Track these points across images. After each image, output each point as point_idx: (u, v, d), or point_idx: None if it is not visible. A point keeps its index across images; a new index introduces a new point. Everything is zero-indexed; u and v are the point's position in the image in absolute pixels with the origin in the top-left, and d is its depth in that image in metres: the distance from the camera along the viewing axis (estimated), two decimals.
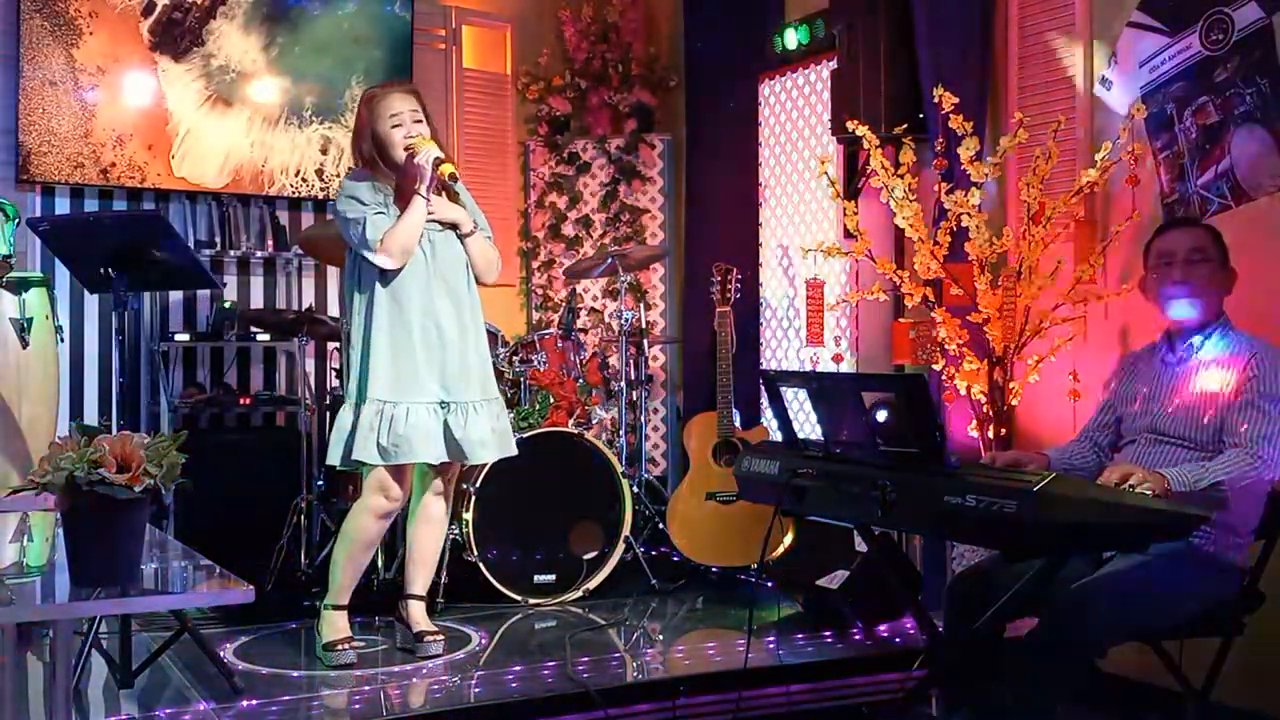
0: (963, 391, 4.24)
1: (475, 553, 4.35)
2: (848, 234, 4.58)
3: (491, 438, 3.70)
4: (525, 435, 4.47)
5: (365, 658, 3.69)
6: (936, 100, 4.17)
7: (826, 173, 4.42)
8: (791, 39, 5.28)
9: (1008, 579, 2.90)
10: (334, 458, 3.63)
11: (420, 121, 3.66)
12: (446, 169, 3.61)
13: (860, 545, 4.23)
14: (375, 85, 3.88)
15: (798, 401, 4.82)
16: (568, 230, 6.29)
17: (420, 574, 3.83)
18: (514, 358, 4.79)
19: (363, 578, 3.77)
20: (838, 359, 4.94)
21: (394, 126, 3.63)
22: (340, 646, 3.65)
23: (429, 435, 3.58)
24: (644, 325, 5.31)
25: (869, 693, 3.66)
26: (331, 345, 5.53)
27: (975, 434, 4.24)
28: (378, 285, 3.61)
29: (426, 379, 3.60)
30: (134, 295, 3.58)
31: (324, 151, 5.73)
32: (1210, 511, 2.66)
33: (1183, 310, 3.07)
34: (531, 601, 4.40)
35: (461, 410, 3.64)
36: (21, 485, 2.02)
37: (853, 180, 4.96)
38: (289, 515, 4.74)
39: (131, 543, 1.98)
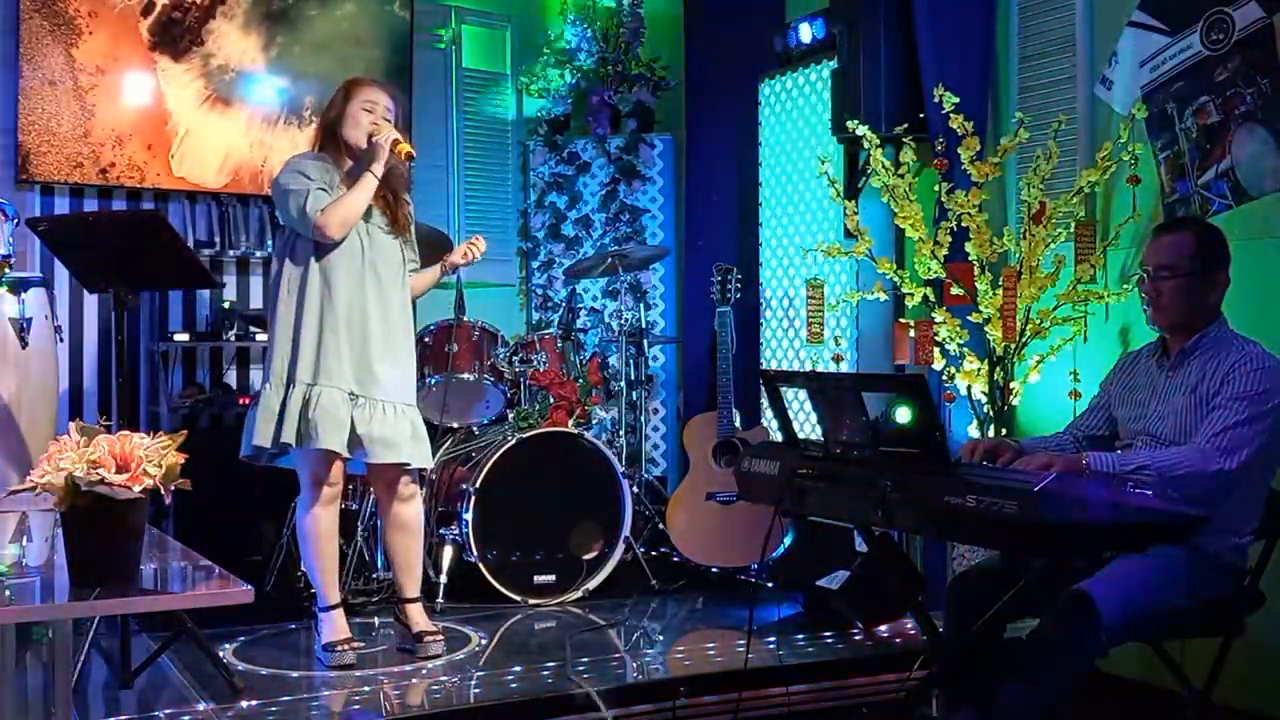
0: (963, 391, 4.24)
1: (475, 553, 4.35)
2: (848, 234, 4.58)
3: (406, 442, 3.60)
4: (525, 435, 4.47)
5: (365, 658, 3.69)
6: (937, 100, 4.17)
7: (826, 173, 4.42)
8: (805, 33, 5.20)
9: (1008, 579, 2.90)
10: (264, 438, 3.54)
11: (390, 122, 3.64)
12: (404, 148, 3.58)
13: (861, 545, 4.23)
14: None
15: (798, 401, 4.82)
16: (568, 230, 6.29)
17: (408, 579, 3.81)
18: (514, 358, 4.78)
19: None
20: (838, 359, 4.94)
21: (365, 110, 3.63)
22: (340, 647, 3.64)
23: (339, 423, 3.52)
24: (644, 325, 5.30)
25: (869, 693, 3.66)
26: None
27: (975, 434, 4.24)
28: (312, 265, 3.58)
29: (346, 366, 3.56)
30: (133, 295, 3.57)
31: None
32: (1209, 513, 2.66)
33: (1152, 321, 3.09)
34: (531, 602, 4.40)
35: (370, 406, 3.57)
36: (21, 486, 2.01)
37: (853, 180, 4.95)
38: (288, 515, 4.73)
39: (131, 543, 1.97)
